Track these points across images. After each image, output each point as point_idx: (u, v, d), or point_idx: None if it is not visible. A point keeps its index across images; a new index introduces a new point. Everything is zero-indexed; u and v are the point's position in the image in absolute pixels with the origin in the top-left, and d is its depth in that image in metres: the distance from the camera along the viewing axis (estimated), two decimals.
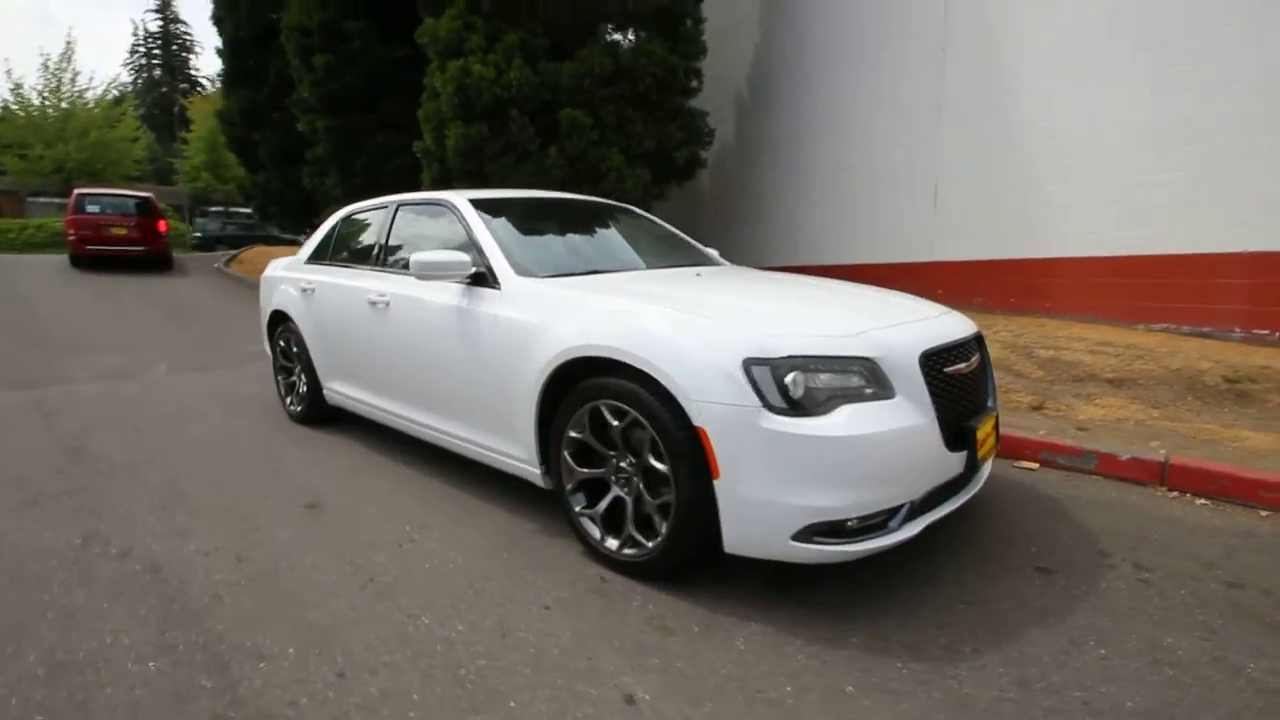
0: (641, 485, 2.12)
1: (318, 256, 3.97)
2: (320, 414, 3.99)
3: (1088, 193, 5.59)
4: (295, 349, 4.02)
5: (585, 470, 2.27)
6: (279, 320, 4.19)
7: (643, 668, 1.71)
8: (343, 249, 3.79)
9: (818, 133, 8.40)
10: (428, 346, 2.87)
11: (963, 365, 2.17)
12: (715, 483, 1.87)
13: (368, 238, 3.57)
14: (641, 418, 2.02)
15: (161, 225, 12.38)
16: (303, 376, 4.00)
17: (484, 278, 2.66)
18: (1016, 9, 6.07)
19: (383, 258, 3.36)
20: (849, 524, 1.84)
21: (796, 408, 1.82)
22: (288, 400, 4.21)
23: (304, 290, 3.85)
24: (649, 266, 3.00)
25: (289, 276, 4.07)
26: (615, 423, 2.12)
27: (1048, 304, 6.00)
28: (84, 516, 2.72)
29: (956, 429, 2.04)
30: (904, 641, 1.82)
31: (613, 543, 2.20)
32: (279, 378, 4.31)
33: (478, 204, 2.99)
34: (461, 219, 2.93)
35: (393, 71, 9.79)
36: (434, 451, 3.32)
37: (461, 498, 2.86)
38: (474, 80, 7.25)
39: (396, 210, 3.42)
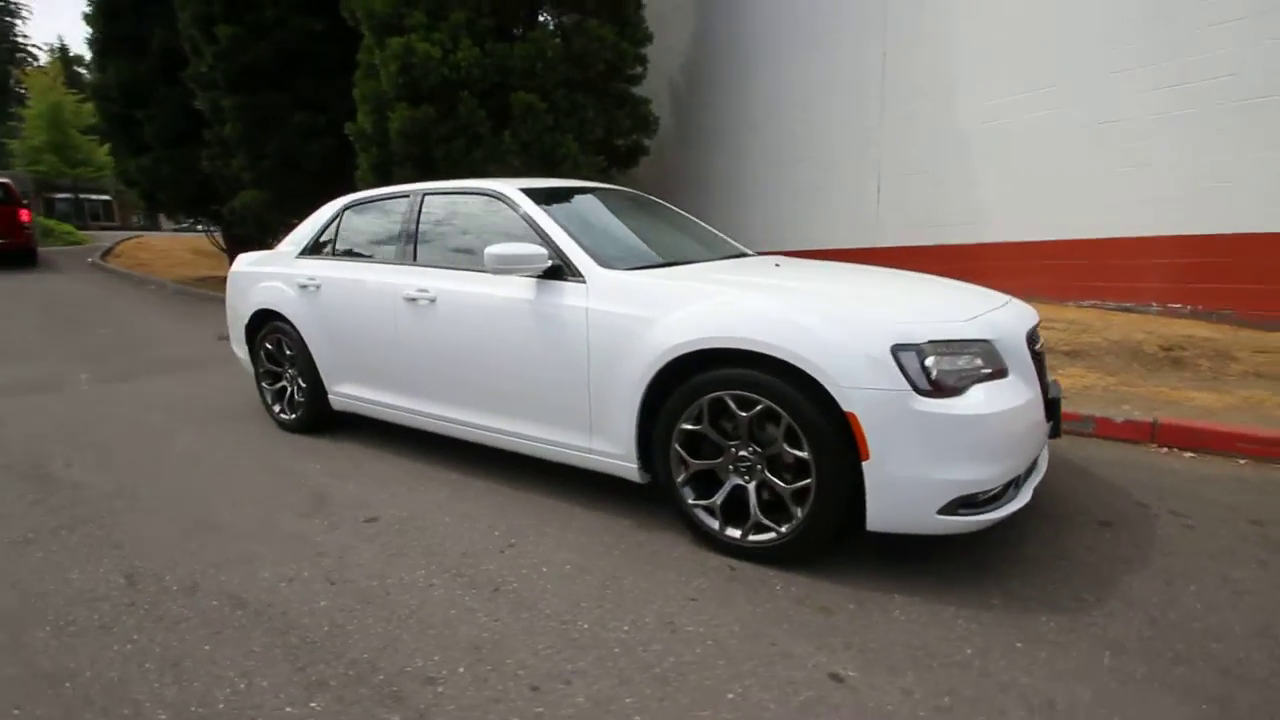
0: (767, 472, 2.16)
1: (315, 250, 3.65)
2: (319, 421, 3.70)
3: (1022, 184, 6.15)
4: (289, 351, 3.69)
5: (699, 462, 2.29)
6: (263, 320, 3.82)
7: (828, 647, 1.77)
8: (351, 242, 3.51)
9: (759, 122, 8.64)
10: (490, 344, 2.75)
11: (1040, 344, 2.38)
12: (864, 464, 1.95)
13: (388, 230, 3.33)
14: (776, 406, 2.06)
15: (24, 214, 10.75)
16: (300, 381, 3.68)
17: (559, 270, 2.58)
18: (953, 14, 6.54)
19: (413, 251, 3.15)
20: (979, 496, 1.99)
21: (937, 389, 1.93)
22: (276, 408, 3.86)
23: (304, 287, 3.53)
24: (709, 256, 3.02)
25: (279, 272, 3.71)
26: (743, 413, 2.14)
27: (985, 286, 6.56)
28: (106, 551, 2.39)
29: (1046, 402, 2.24)
30: (1034, 598, 1.99)
31: (734, 531, 2.23)
32: (263, 384, 3.93)
33: (530, 194, 2.87)
34: (519, 209, 2.81)
35: (310, 45, 9.04)
36: (469, 454, 3.18)
37: (532, 499, 2.78)
38: (420, 59, 6.86)
39: (422, 200, 3.22)
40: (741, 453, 2.21)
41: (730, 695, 1.59)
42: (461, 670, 1.71)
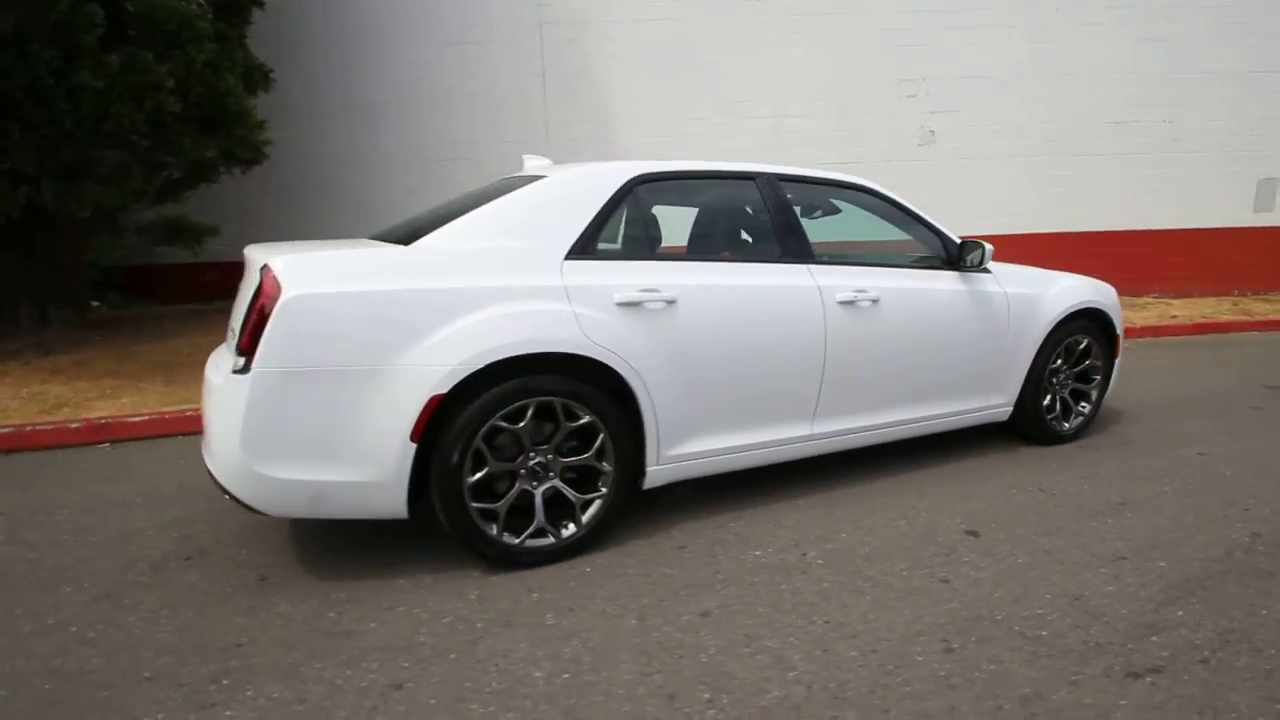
0: (1078, 383, 3.50)
1: (593, 250, 2.24)
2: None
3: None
4: (611, 427, 2.16)
5: (1079, 385, 3.41)
6: (484, 382, 2.03)
7: None
8: (666, 235, 2.39)
9: (389, 103, 7.69)
10: (933, 337, 2.86)
11: None
12: (1116, 361, 3.60)
13: (728, 219, 2.58)
14: (1092, 340, 3.40)
15: None
16: (601, 464, 2.24)
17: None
18: (604, 58, 7.82)
19: (804, 247, 2.60)
20: None
21: None
22: (503, 534, 2.16)
23: (630, 305, 2.19)
24: None
25: (543, 286, 2.09)
26: (1080, 346, 3.39)
27: None
28: None
29: None
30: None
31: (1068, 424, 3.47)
32: (471, 504, 2.06)
33: None
34: (899, 206, 2.95)
35: None
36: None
37: (970, 469, 3.01)
38: None
39: (777, 185, 2.63)
40: (1064, 375, 3.46)
41: None
42: None
